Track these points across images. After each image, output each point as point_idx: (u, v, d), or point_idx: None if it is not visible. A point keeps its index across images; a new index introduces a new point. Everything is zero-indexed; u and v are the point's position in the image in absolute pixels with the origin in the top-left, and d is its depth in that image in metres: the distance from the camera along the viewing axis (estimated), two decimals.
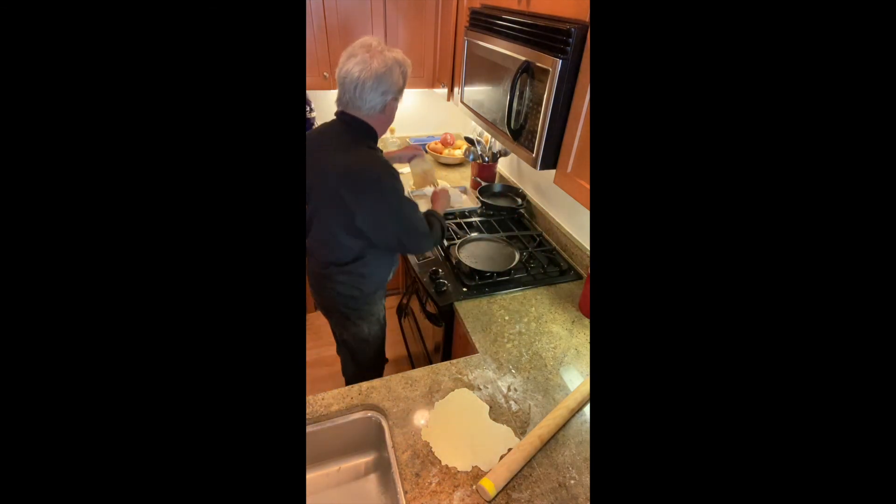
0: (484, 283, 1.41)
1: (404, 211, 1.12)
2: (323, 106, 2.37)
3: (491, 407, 1.00)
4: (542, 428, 0.93)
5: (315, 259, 1.29)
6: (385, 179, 1.07)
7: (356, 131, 1.12)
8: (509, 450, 0.91)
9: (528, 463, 0.89)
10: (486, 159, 2.04)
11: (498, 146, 2.05)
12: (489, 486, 0.81)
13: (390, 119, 1.16)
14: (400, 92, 1.11)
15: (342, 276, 1.26)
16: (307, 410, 0.96)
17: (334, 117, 1.16)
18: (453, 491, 0.84)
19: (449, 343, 1.48)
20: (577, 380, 1.10)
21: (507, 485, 0.84)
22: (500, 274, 1.43)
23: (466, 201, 1.97)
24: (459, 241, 1.57)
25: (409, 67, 1.10)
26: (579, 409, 1.01)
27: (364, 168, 1.07)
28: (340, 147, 1.10)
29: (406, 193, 1.14)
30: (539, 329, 1.26)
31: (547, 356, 1.16)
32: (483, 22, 1.31)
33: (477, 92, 1.41)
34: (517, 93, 1.13)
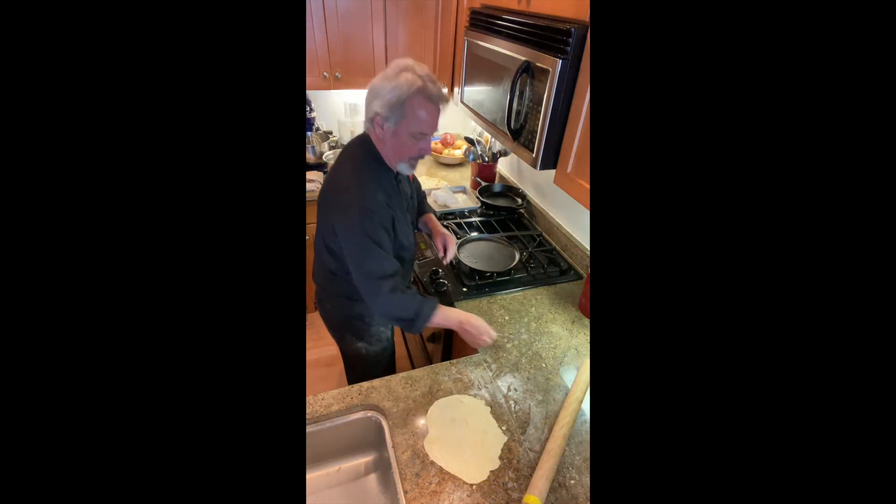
0: (484, 283, 1.41)
1: (362, 251, 1.01)
2: (323, 106, 2.38)
3: (491, 407, 1.00)
4: (562, 427, 0.93)
5: (315, 266, 1.26)
6: (353, 210, 0.99)
7: (363, 145, 1.07)
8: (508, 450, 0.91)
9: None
10: (486, 159, 2.04)
11: (498, 146, 2.05)
12: (535, 501, 0.79)
13: (391, 142, 1.02)
14: (395, 115, 0.96)
15: (334, 288, 1.21)
16: (307, 410, 0.96)
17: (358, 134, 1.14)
18: (453, 491, 0.84)
19: (449, 343, 1.48)
20: None
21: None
22: (500, 274, 1.43)
23: (466, 201, 1.97)
24: (459, 241, 1.57)
25: (412, 89, 0.94)
26: (584, 396, 1.02)
27: (341, 188, 1.04)
28: (346, 158, 1.09)
29: (377, 238, 1.01)
30: (539, 329, 1.25)
31: (547, 356, 1.16)
32: (483, 22, 1.31)
33: (477, 92, 1.41)
34: (517, 93, 1.13)
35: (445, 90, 1.02)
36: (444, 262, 1.37)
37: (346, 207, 1.00)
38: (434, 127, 1.01)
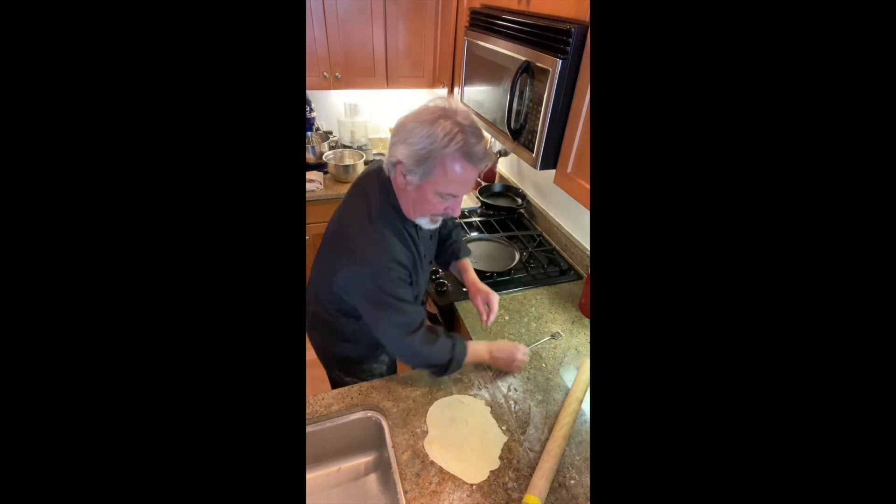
0: (484, 283, 1.41)
1: (385, 310, 0.89)
2: (323, 106, 2.38)
3: (491, 407, 1.00)
4: (562, 427, 0.93)
5: (309, 293, 1.12)
6: (368, 269, 0.86)
7: (381, 188, 0.91)
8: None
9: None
10: None
11: (498, 146, 2.05)
12: (535, 501, 0.80)
13: (412, 196, 0.85)
14: (422, 169, 0.79)
15: (328, 322, 1.09)
16: (307, 410, 0.96)
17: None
18: (453, 491, 0.84)
19: None
20: None
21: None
22: (500, 274, 1.43)
23: (466, 201, 1.97)
24: None
25: (450, 145, 0.76)
26: (584, 396, 1.02)
27: (356, 240, 0.88)
28: (361, 201, 0.93)
29: (400, 297, 0.90)
30: (539, 329, 1.25)
31: (547, 356, 1.16)
32: (483, 22, 1.31)
33: (477, 92, 1.41)
34: (517, 93, 1.13)
35: (490, 144, 0.83)
36: (486, 324, 1.16)
37: (361, 264, 0.86)
38: (468, 188, 0.84)
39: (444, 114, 0.77)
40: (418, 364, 1.00)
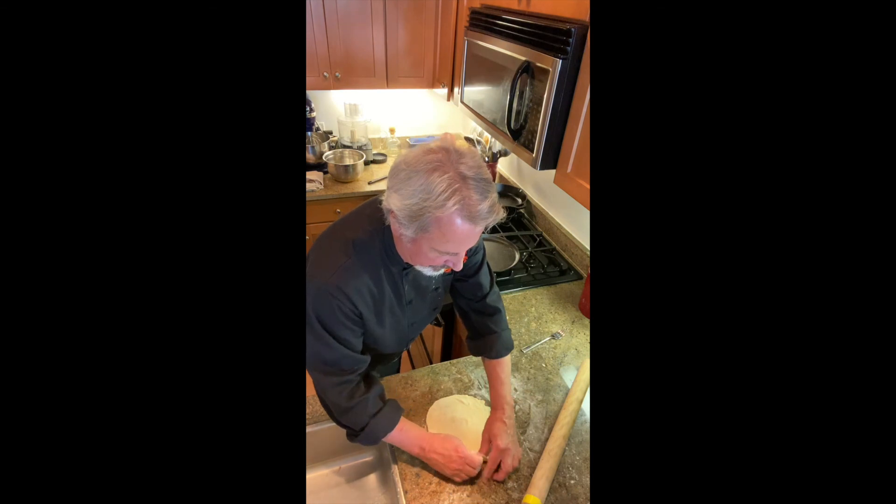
0: None
1: (312, 332, 0.78)
2: (323, 106, 2.38)
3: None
4: (562, 427, 0.93)
5: None
6: (314, 283, 0.76)
7: (382, 223, 0.78)
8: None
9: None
10: (486, 159, 2.04)
11: (498, 146, 2.05)
12: (535, 501, 0.80)
13: (408, 248, 0.74)
14: (415, 226, 0.66)
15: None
16: (307, 410, 0.96)
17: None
18: (454, 491, 0.83)
19: (449, 343, 1.48)
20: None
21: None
22: (500, 274, 1.43)
23: None
24: None
25: (447, 206, 0.63)
26: (584, 396, 1.02)
27: (321, 251, 0.80)
28: (359, 224, 0.82)
29: (333, 331, 0.78)
30: (539, 329, 1.25)
31: (547, 356, 1.16)
32: (483, 22, 1.31)
33: (477, 92, 1.41)
34: (517, 93, 1.13)
35: (494, 200, 0.68)
36: (488, 477, 0.87)
37: (310, 278, 0.77)
38: (471, 244, 0.72)
39: (443, 161, 0.64)
40: (327, 409, 0.88)
